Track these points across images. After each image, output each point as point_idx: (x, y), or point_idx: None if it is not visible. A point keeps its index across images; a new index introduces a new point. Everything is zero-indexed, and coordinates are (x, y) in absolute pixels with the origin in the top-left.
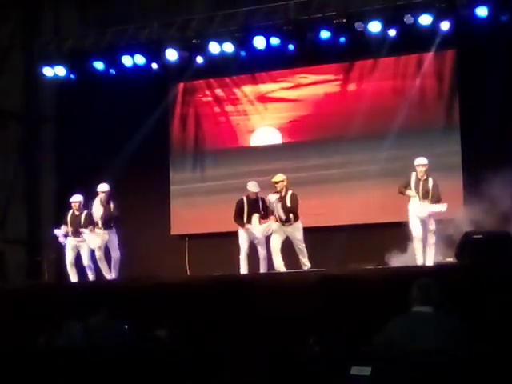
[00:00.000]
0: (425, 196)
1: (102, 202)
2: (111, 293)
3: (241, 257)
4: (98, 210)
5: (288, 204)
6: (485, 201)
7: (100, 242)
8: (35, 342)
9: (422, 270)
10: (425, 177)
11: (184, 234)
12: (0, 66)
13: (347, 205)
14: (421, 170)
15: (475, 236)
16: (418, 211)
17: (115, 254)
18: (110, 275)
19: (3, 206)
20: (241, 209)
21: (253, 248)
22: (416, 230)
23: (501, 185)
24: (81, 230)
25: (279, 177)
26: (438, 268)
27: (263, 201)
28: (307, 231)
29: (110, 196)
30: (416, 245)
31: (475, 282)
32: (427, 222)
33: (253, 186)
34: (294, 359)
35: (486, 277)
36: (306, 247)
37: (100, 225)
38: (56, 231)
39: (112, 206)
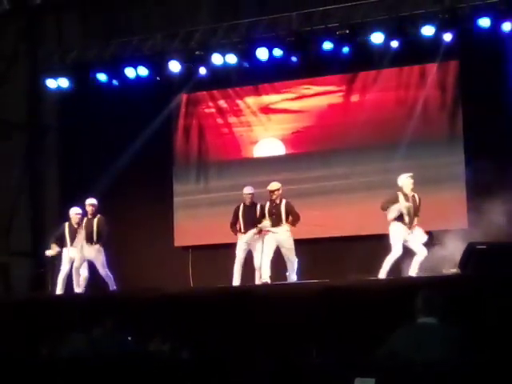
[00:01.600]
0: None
1: (88, 217)
2: (115, 304)
3: (235, 266)
4: (85, 224)
5: (283, 212)
6: (489, 211)
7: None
8: (39, 354)
9: (425, 281)
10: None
11: (187, 246)
12: (3, 75)
13: (350, 216)
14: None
15: (479, 246)
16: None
17: (103, 271)
18: (78, 289)
19: (7, 217)
20: (236, 215)
21: (249, 259)
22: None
23: (505, 195)
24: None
25: (275, 185)
26: (442, 279)
27: (261, 207)
28: (310, 242)
29: (97, 210)
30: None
31: (479, 293)
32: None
33: (246, 189)
34: (297, 371)
35: (490, 287)
36: (310, 258)
37: (85, 240)
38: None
39: (97, 220)
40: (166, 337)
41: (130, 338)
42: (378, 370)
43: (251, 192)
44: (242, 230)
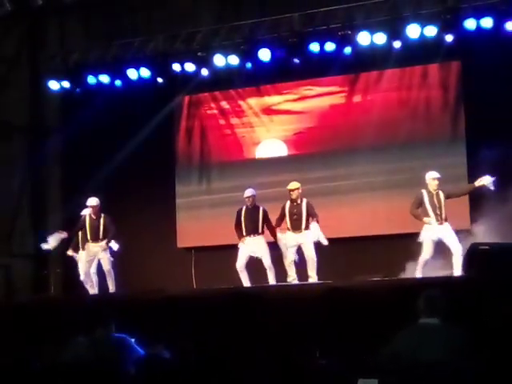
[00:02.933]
0: (438, 213)
1: (91, 217)
2: (117, 306)
3: (238, 270)
4: (89, 223)
5: (304, 212)
6: (491, 212)
7: (89, 257)
8: (41, 357)
9: (428, 282)
10: (437, 190)
11: (190, 247)
12: (5, 78)
13: (353, 217)
14: (437, 183)
15: (482, 247)
16: (434, 236)
17: (108, 269)
18: (94, 290)
19: (10, 219)
20: (239, 218)
21: (250, 261)
22: (429, 252)
23: (507, 195)
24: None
25: (294, 184)
26: (445, 280)
27: (264, 212)
28: (313, 244)
29: (101, 210)
30: (421, 262)
31: (482, 294)
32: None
33: (245, 192)
34: (300, 372)
35: (493, 288)
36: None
37: (90, 239)
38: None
39: (103, 220)
40: (168, 338)
41: (132, 340)
42: (381, 371)
43: (248, 195)
44: (244, 234)
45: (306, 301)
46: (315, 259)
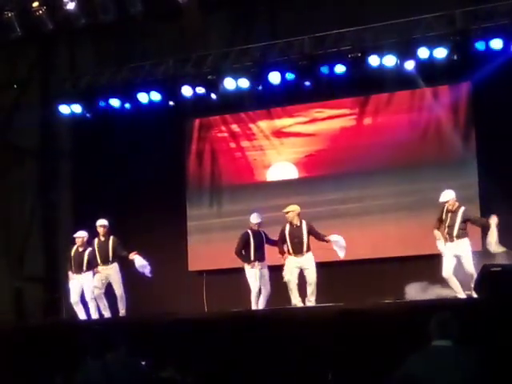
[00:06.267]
0: (450, 230)
1: (100, 238)
2: (128, 329)
3: (252, 295)
4: (98, 246)
5: (305, 234)
6: (503, 233)
7: (101, 280)
8: (53, 381)
9: (440, 304)
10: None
11: (201, 270)
12: (17, 102)
13: (364, 239)
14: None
15: (493, 269)
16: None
17: (119, 291)
18: (107, 312)
19: (21, 243)
20: (247, 242)
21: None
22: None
23: None
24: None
25: (290, 207)
26: (457, 301)
27: (265, 234)
28: (325, 266)
29: (110, 231)
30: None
31: (494, 315)
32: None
33: (253, 218)
34: None
35: (505, 310)
36: (324, 282)
37: (100, 262)
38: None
39: (112, 241)
40: (179, 362)
41: (143, 363)
42: None
43: (255, 222)
44: (252, 258)
45: (318, 323)
46: (315, 284)
